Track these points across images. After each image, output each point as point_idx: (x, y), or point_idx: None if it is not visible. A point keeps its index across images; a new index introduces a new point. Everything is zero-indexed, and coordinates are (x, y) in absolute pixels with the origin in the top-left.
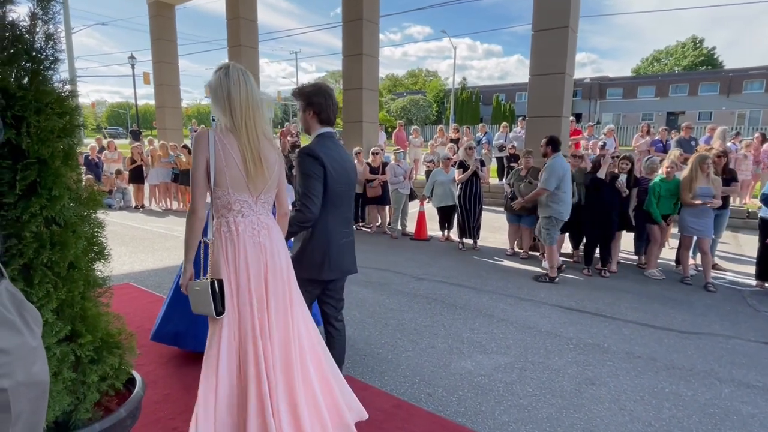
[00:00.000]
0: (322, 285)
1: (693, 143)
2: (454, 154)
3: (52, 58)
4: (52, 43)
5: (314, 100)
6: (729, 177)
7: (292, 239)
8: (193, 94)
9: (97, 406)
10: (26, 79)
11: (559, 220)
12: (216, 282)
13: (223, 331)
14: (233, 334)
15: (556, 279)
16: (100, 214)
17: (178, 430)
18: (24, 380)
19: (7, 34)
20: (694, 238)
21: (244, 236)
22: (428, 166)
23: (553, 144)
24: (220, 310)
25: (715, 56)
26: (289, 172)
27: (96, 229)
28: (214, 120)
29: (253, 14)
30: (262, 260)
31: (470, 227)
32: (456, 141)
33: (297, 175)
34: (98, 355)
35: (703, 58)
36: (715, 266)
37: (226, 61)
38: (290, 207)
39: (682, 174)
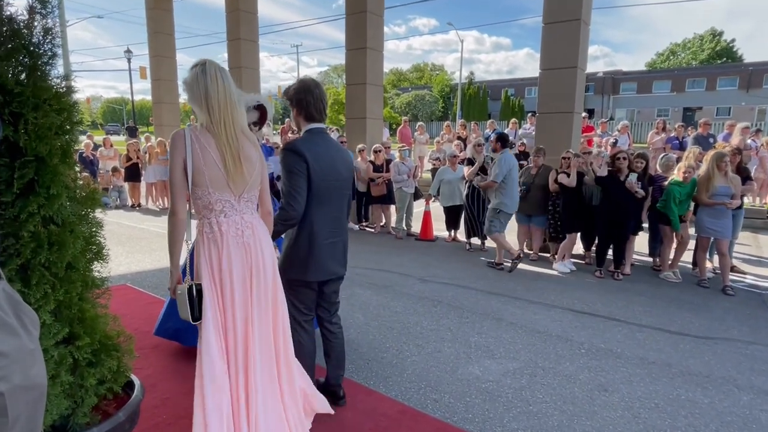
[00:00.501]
0: (313, 287)
1: (711, 140)
2: (461, 151)
3: (50, 54)
4: (50, 37)
5: (296, 98)
6: (744, 176)
7: (283, 237)
8: None
9: (95, 410)
10: (24, 74)
11: (504, 213)
12: (194, 286)
13: (209, 339)
14: (220, 341)
15: (503, 267)
16: (98, 213)
17: None
18: (21, 383)
19: (4, 28)
20: (711, 239)
21: (227, 237)
22: (434, 164)
23: (502, 141)
24: (196, 316)
25: (735, 49)
26: None
27: (94, 229)
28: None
29: (253, 6)
30: (247, 261)
31: (478, 227)
32: (464, 139)
33: (282, 172)
34: (96, 357)
35: (721, 51)
36: (733, 268)
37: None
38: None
39: (699, 172)
